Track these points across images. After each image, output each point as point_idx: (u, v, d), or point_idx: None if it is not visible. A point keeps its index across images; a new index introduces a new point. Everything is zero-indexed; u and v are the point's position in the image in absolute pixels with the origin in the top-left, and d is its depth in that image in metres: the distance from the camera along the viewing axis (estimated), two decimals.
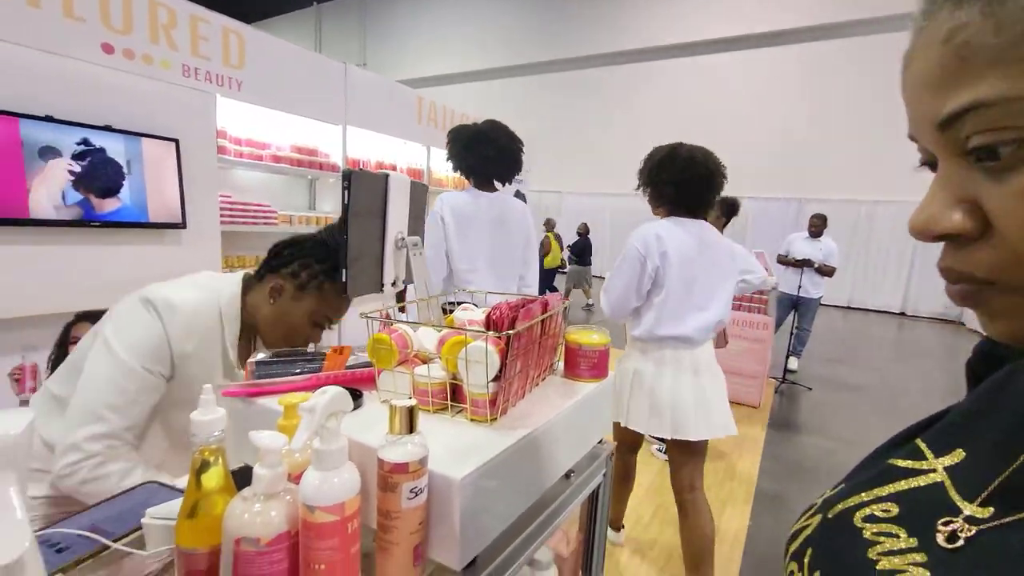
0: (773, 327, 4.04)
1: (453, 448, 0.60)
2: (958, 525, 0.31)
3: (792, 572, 0.37)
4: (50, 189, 1.99)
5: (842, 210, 9.50)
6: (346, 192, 0.76)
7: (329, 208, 3.68)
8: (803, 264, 4.56)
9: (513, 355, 0.67)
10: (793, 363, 4.88)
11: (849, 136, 9.52)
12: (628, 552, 2.20)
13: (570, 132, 12.50)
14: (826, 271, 4.62)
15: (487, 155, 2.01)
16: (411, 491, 0.52)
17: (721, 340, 3.04)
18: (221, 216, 2.64)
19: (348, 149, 3.42)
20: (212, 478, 0.50)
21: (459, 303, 0.97)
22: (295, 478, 0.50)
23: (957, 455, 0.35)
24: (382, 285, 0.91)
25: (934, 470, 0.35)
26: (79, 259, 2.13)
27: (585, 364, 0.88)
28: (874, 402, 4.37)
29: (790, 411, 4.00)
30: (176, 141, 2.36)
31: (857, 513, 0.36)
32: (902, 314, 9.32)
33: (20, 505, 0.26)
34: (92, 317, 2.35)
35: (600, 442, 0.95)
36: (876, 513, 0.35)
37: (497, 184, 2.15)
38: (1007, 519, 0.29)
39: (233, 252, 2.84)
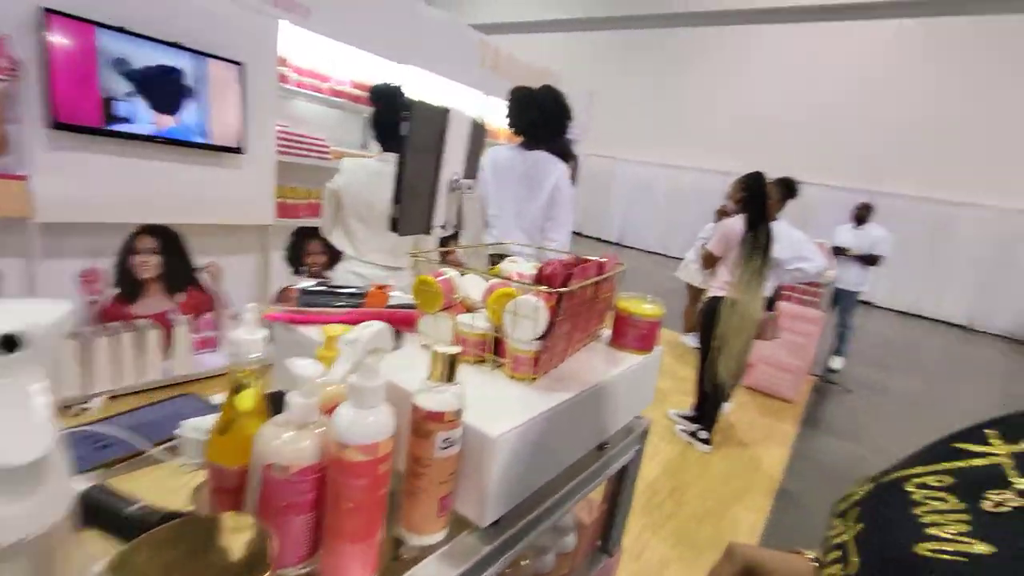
0: (822, 323, 3.84)
1: (491, 403, 0.58)
2: (1008, 496, 0.32)
3: (835, 526, 0.39)
4: (119, 100, 2.03)
5: (918, 209, 8.83)
6: (406, 123, 0.72)
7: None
8: (838, 252, 4.31)
9: (563, 314, 0.63)
10: (837, 363, 4.66)
11: (929, 131, 8.70)
12: (645, 526, 2.21)
13: (632, 96, 11.95)
14: (868, 261, 4.35)
15: (533, 119, 2.18)
16: (444, 440, 0.50)
17: (769, 332, 2.91)
18: (278, 145, 2.67)
19: (408, 91, 3.36)
20: (246, 399, 0.49)
21: (505, 256, 0.93)
22: (328, 411, 0.48)
23: (1021, 444, 0.35)
24: (431, 227, 0.87)
25: (998, 454, 0.36)
26: (143, 173, 2.19)
27: (633, 334, 0.83)
28: (917, 414, 4.16)
29: (826, 411, 3.85)
30: (240, 65, 2.36)
31: (911, 480, 0.37)
32: (965, 328, 8.73)
33: (46, 403, 0.25)
34: (155, 231, 2.45)
35: (638, 417, 0.91)
36: (929, 482, 0.37)
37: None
38: None
39: (286, 183, 2.86)
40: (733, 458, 2.87)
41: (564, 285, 0.62)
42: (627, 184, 12.02)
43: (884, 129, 9.26)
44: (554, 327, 0.62)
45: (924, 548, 0.33)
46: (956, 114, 8.60)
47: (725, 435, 3.11)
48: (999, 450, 0.37)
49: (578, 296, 0.68)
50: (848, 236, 4.56)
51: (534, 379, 0.65)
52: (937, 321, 8.96)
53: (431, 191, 0.81)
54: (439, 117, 0.80)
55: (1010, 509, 0.32)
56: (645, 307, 0.82)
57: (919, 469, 0.39)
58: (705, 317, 2.81)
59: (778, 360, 3.73)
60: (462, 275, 0.74)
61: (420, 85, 3.54)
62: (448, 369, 0.50)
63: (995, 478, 0.35)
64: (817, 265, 2.88)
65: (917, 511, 0.35)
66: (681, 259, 5.01)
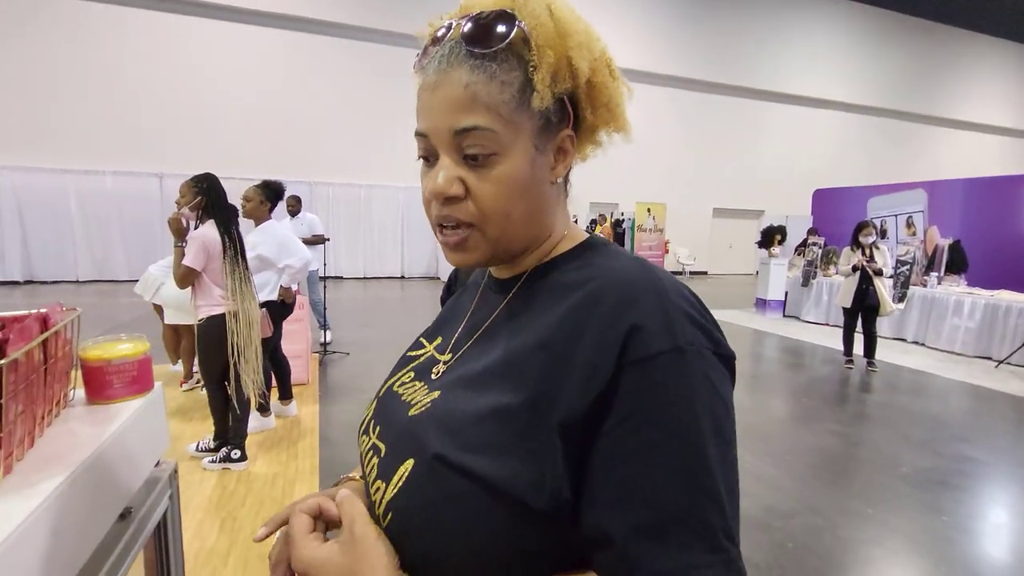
0: (307, 305, 4.29)
1: None
2: (439, 367, 0.54)
3: (362, 440, 0.54)
4: None
5: (346, 193, 10.89)
6: None
7: None
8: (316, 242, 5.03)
9: (11, 392, 0.50)
10: (328, 336, 5.31)
11: (346, 127, 10.84)
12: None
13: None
14: (315, 242, 5.27)
15: None
16: None
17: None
18: None
19: None
20: None
21: None
22: None
23: (437, 340, 0.60)
24: None
25: (429, 351, 0.60)
26: None
27: (120, 380, 0.73)
28: (395, 353, 5.38)
29: (336, 379, 4.43)
30: None
31: (394, 385, 0.57)
32: (402, 277, 11.70)
33: None
34: None
35: (157, 464, 0.82)
36: (403, 379, 0.57)
37: None
38: (453, 358, 0.54)
39: None
40: (273, 459, 2.92)
41: (2, 355, 0.49)
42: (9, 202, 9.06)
43: (314, 131, 10.70)
44: (4, 411, 0.49)
45: (412, 412, 0.50)
46: (363, 121, 10.93)
47: (262, 443, 3.10)
48: (428, 349, 0.62)
49: (25, 364, 0.54)
50: (288, 227, 5.23)
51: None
52: (383, 278, 11.58)
53: None
54: None
55: (440, 374, 0.54)
56: (122, 348, 0.74)
57: (396, 376, 0.59)
58: (210, 338, 2.64)
59: (283, 351, 3.94)
60: None
61: None
62: None
63: (430, 360, 0.58)
64: (303, 257, 3.21)
65: (404, 398, 0.54)
66: (133, 281, 4.34)
